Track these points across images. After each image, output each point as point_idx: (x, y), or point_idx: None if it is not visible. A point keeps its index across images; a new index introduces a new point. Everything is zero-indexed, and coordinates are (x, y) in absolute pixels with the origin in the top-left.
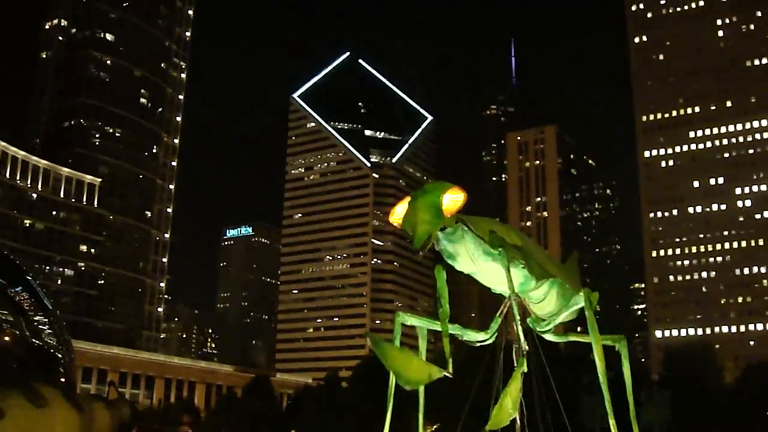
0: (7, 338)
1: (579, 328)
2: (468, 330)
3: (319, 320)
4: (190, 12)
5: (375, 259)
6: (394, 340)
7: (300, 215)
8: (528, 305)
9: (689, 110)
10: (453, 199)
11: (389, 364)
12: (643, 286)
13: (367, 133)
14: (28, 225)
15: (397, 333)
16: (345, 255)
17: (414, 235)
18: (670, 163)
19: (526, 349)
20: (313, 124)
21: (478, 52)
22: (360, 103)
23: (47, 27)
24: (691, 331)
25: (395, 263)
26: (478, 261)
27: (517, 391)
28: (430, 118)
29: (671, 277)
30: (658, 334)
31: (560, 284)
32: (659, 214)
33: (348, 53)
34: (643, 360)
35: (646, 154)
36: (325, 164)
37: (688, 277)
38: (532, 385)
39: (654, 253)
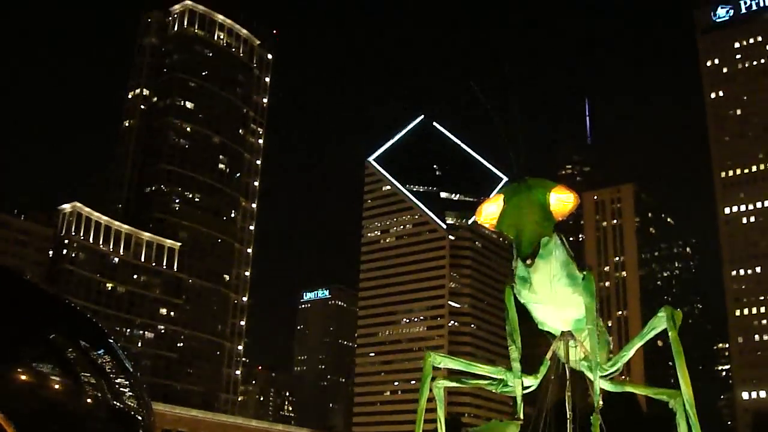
0: (89, 400)
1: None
2: (509, 373)
3: (396, 383)
4: (267, 79)
5: (452, 321)
6: (423, 384)
7: (376, 278)
8: (580, 345)
9: None
10: (561, 199)
11: None
12: (727, 346)
13: (443, 195)
14: (110, 288)
15: (427, 376)
16: (422, 317)
17: (520, 239)
18: (752, 219)
19: (600, 404)
20: (388, 187)
21: (553, 112)
22: (435, 166)
23: (129, 96)
24: None
25: (472, 325)
26: (555, 286)
27: None
28: (505, 179)
29: (756, 337)
30: (745, 395)
31: (599, 325)
32: (741, 271)
33: (422, 116)
34: (729, 423)
35: (726, 210)
36: (401, 227)
37: None
38: None
39: (737, 312)
